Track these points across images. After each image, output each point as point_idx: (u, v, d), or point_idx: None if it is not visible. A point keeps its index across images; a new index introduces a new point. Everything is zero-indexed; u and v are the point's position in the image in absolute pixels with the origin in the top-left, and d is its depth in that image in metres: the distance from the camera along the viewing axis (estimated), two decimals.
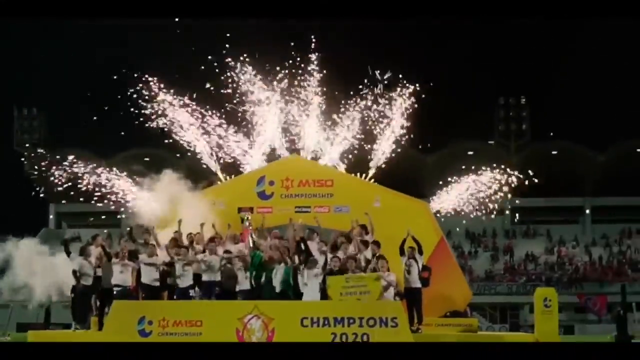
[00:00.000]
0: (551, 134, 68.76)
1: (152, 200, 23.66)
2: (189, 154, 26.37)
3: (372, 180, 25.57)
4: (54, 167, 25.32)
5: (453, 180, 26.05)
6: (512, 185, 25.81)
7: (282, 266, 19.78)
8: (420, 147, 29.36)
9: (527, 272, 64.73)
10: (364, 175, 25.57)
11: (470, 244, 70.91)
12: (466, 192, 25.81)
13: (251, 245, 21.20)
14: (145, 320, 18.43)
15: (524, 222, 73.17)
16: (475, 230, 71.95)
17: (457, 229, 69.56)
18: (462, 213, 25.79)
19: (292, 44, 27.73)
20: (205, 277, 20.27)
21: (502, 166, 25.99)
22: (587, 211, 74.51)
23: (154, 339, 18.20)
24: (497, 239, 71.37)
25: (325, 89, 26.98)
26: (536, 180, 27.10)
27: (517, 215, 71.93)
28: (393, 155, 26.66)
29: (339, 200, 24.25)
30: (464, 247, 69.45)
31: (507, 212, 73.43)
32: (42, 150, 26.91)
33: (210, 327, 18.38)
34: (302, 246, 20.57)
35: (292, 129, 26.69)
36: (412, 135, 27.18)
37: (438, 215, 25.74)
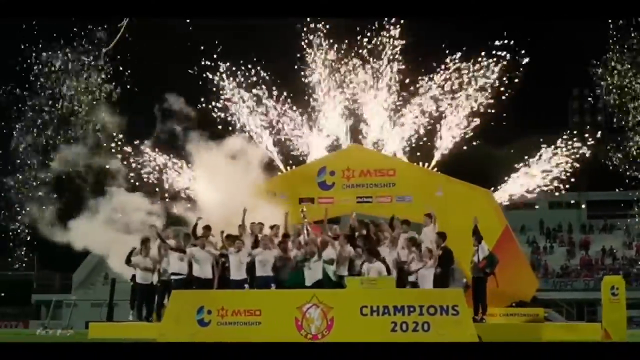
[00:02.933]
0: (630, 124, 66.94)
1: (214, 194, 23.68)
2: (250, 144, 26.31)
3: (435, 169, 25.20)
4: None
5: (521, 172, 25.56)
6: (588, 178, 25.23)
7: (313, 260, 19.80)
8: (487, 137, 28.77)
9: (605, 268, 63.17)
10: (426, 164, 25.22)
11: (545, 239, 69.67)
12: (536, 183, 25.34)
13: (307, 237, 21.03)
14: (204, 309, 18.28)
15: (601, 216, 71.67)
16: (550, 225, 70.75)
17: (533, 224, 68.64)
18: (532, 205, 25.37)
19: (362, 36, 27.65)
20: (259, 272, 20.21)
21: (577, 159, 25.42)
22: None
23: (212, 328, 18.10)
24: (573, 234, 69.96)
25: (389, 78, 26.76)
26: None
27: (593, 209, 70.64)
28: (458, 144, 26.29)
29: (401, 189, 24.02)
30: (539, 243, 68.27)
31: (583, 206, 72.03)
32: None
33: (269, 316, 18.18)
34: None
35: (354, 118, 26.55)
36: (478, 125, 26.80)
37: (508, 206, 25.31)
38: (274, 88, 26.98)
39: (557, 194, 26.32)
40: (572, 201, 71.25)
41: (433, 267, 19.75)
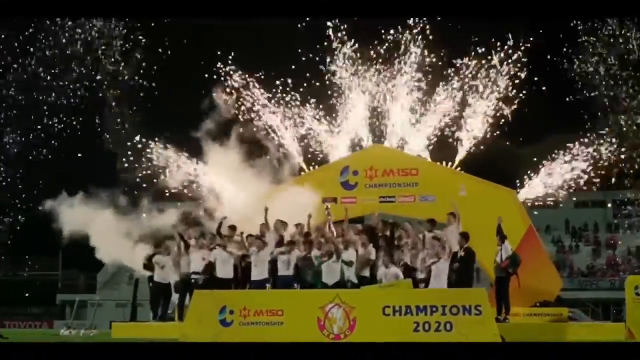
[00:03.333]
0: None
1: (238, 193, 23.68)
2: (272, 142, 26.26)
3: (459, 168, 25.07)
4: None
5: (546, 170, 25.39)
6: (612, 177, 25.01)
7: (331, 261, 19.83)
8: (512, 136, 28.81)
9: (631, 267, 62.51)
10: (450, 163, 25.09)
11: (571, 238, 69.04)
12: (561, 182, 25.16)
13: (328, 235, 21.02)
14: (226, 309, 18.24)
15: (627, 215, 70.91)
16: (576, 224, 70.12)
17: (558, 223, 68.08)
18: (557, 204, 25.19)
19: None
20: (281, 272, 20.24)
21: (602, 157, 25.23)
22: None
23: (235, 328, 18.08)
24: (599, 233, 69.28)
25: (411, 77, 26.67)
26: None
27: (619, 207, 69.84)
28: (481, 143, 26.15)
29: (424, 189, 23.88)
30: (565, 242, 67.68)
31: (609, 204, 71.29)
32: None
33: (291, 316, 18.11)
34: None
35: (376, 117, 26.46)
36: (503, 123, 26.68)
37: (533, 205, 25.16)
38: (293, 88, 26.97)
39: (583, 191, 26.11)
40: (599, 200, 70.58)
41: (447, 261, 19.59)
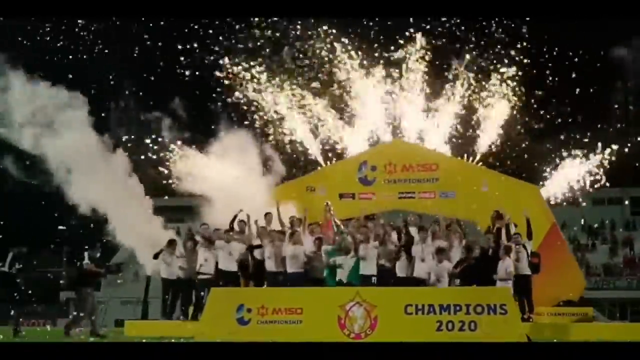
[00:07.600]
0: None
1: (253, 189, 23.35)
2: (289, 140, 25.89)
3: (480, 164, 24.62)
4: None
5: (568, 166, 25.01)
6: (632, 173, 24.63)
7: (349, 257, 19.47)
8: (533, 129, 28.50)
9: None
10: (471, 158, 24.66)
11: (587, 236, 68.36)
12: (581, 179, 24.77)
13: (335, 230, 20.70)
14: (244, 307, 17.83)
15: None
16: (592, 222, 69.45)
17: (574, 221, 67.50)
18: (578, 201, 24.82)
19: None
20: (290, 269, 19.93)
21: (621, 153, 24.88)
22: None
23: (252, 327, 17.69)
24: (616, 231, 68.59)
25: (430, 68, 26.34)
26: None
27: (637, 205, 69.32)
28: (503, 138, 25.78)
29: (444, 185, 23.53)
30: (581, 240, 67.00)
31: (627, 202, 70.65)
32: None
33: (311, 315, 17.68)
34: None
35: (395, 111, 26.11)
36: (526, 118, 26.36)
37: (552, 203, 24.74)
38: (310, 83, 26.63)
39: (600, 188, 25.74)
40: (616, 197, 69.95)
41: None
